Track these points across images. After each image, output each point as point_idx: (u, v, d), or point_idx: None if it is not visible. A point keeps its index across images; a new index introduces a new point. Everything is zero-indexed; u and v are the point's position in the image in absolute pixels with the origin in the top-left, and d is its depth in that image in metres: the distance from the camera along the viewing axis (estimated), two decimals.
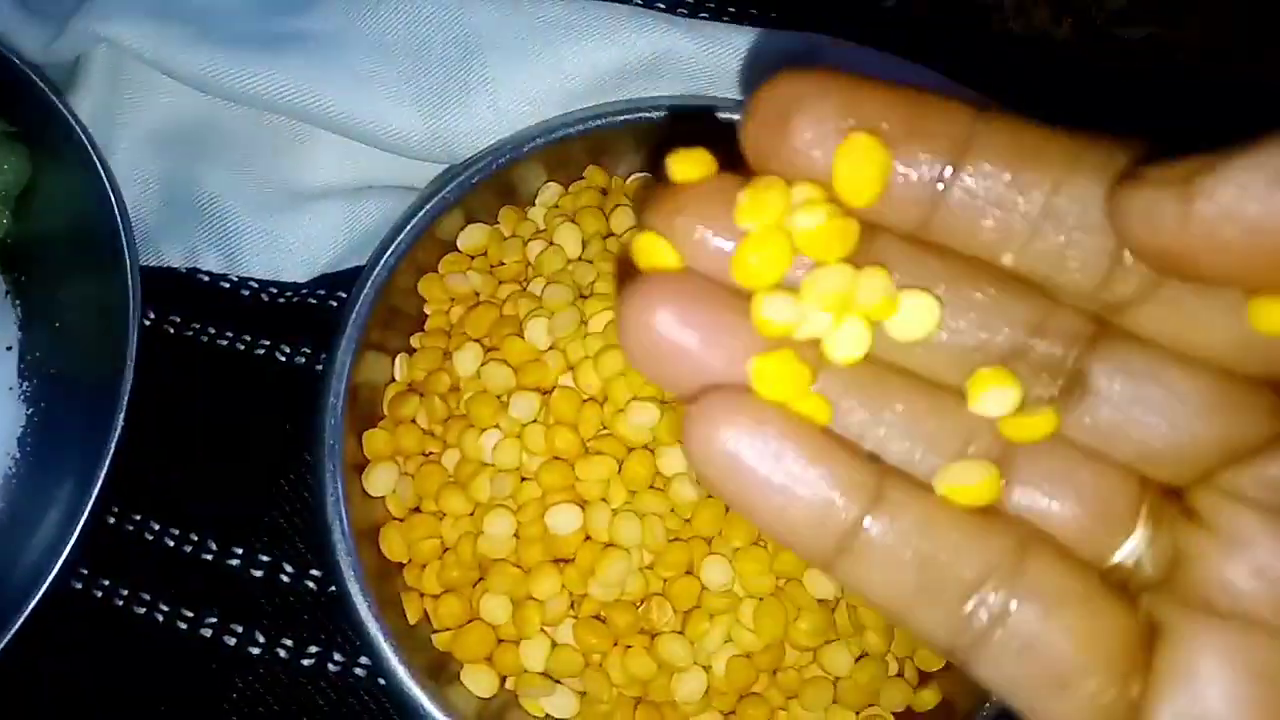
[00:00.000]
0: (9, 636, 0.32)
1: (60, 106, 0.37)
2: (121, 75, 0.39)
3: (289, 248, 0.38)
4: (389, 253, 0.35)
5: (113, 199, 0.36)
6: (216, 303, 0.38)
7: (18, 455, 0.35)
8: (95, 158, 0.37)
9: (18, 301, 0.37)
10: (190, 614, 0.33)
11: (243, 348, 0.37)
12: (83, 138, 0.37)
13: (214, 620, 0.33)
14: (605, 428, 0.32)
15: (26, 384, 0.36)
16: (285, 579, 0.34)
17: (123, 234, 0.36)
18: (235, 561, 0.34)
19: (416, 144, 0.38)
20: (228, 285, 0.38)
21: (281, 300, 0.38)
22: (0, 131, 0.37)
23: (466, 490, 0.31)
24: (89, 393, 0.35)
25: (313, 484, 0.32)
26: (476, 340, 0.33)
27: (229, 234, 0.38)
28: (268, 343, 0.37)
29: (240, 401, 0.36)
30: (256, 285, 0.38)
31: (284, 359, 0.36)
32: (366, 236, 0.38)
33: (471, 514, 0.32)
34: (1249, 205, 0.13)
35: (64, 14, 0.38)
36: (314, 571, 0.34)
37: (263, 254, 0.38)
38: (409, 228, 0.35)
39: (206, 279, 0.38)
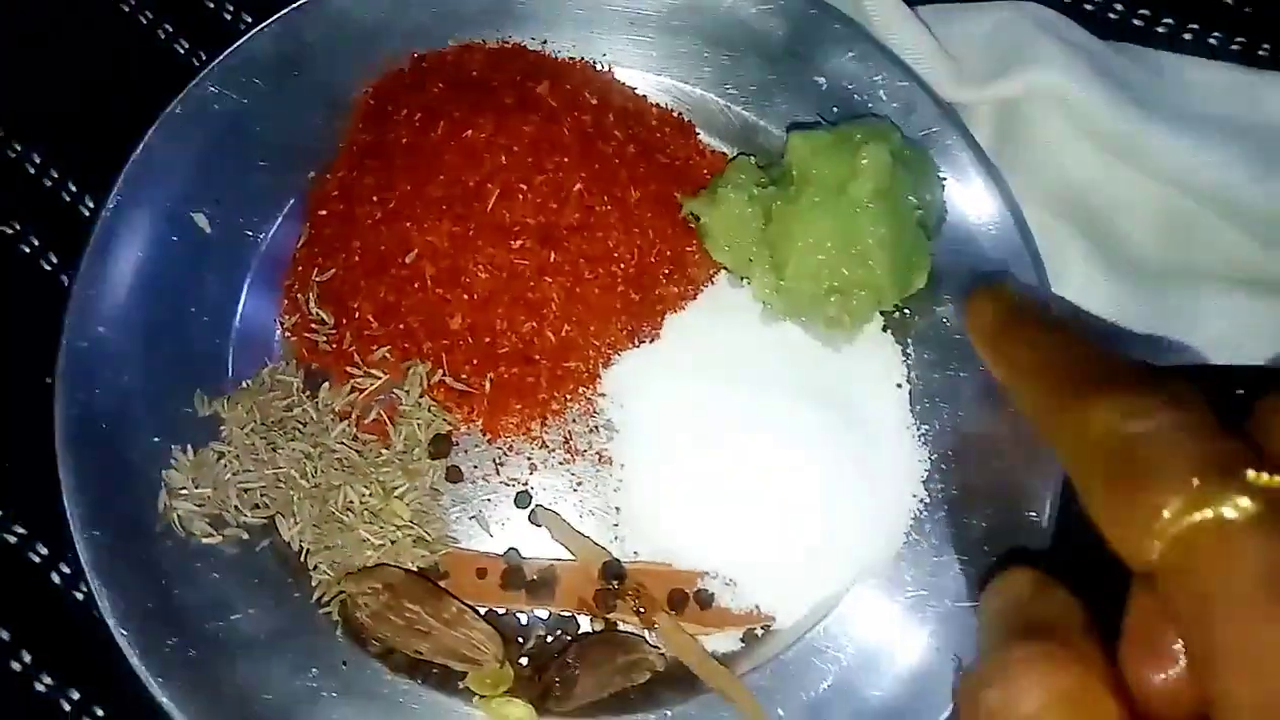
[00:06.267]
0: None
1: (973, 145, 0.38)
2: (1024, 126, 0.39)
3: (1168, 326, 0.38)
4: None
5: (1022, 244, 0.37)
6: None
7: (925, 498, 0.35)
8: (1000, 194, 0.37)
9: (906, 337, 0.37)
10: None
11: None
12: (984, 172, 0.37)
13: None
14: None
15: (925, 426, 0.36)
16: None
17: (1031, 263, 0.36)
18: None
19: None
20: None
21: None
22: (935, 174, 0.37)
23: None
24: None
25: None
26: None
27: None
28: None
29: None
30: None
31: None
32: (1259, 330, 0.37)
33: None
34: None
35: (979, 69, 0.39)
36: None
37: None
38: None
39: None
